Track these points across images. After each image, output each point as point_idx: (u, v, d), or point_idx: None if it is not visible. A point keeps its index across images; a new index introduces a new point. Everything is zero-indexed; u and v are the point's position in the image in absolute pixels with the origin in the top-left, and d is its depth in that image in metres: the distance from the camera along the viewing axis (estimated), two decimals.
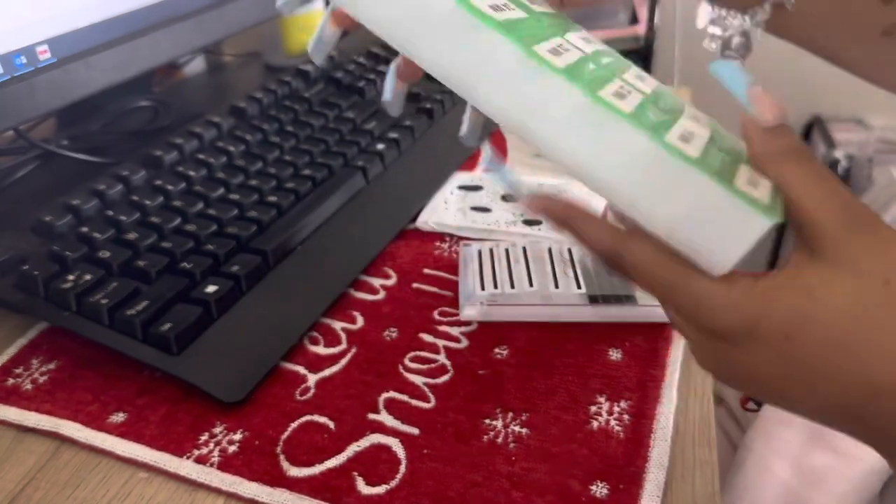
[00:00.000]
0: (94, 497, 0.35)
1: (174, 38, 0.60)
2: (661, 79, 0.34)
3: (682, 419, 0.39)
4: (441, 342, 0.44)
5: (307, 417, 0.39)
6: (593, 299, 0.45)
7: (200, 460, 0.37)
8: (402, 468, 0.36)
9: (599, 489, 0.35)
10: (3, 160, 0.61)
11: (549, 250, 0.49)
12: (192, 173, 0.53)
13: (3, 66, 0.48)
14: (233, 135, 0.59)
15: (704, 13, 0.38)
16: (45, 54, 0.51)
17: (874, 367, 0.24)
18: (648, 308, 0.44)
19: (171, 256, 0.46)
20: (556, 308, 0.45)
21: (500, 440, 0.38)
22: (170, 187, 0.52)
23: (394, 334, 0.45)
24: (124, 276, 0.44)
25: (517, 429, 0.38)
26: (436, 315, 0.46)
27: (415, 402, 0.40)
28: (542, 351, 0.43)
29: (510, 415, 0.39)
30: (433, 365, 0.43)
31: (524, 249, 0.50)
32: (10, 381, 0.42)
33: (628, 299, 0.45)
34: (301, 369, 0.42)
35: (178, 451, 0.37)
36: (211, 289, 0.43)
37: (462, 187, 0.59)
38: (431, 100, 0.68)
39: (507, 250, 0.49)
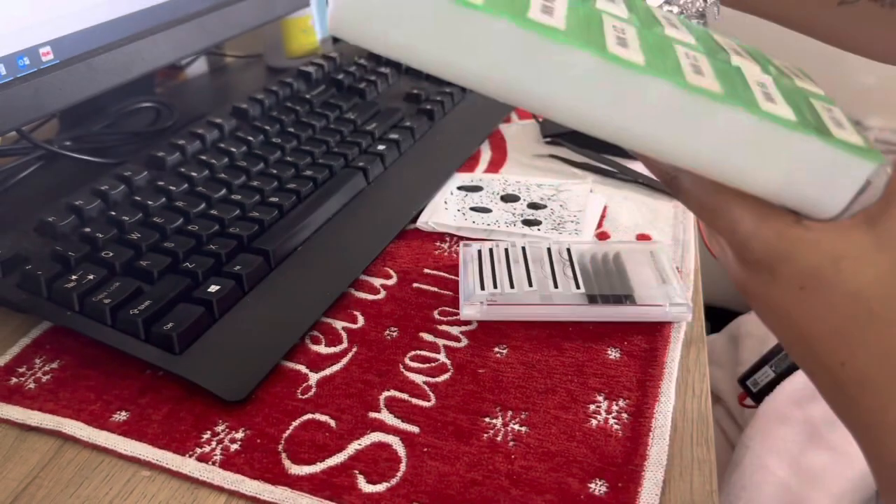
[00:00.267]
0: (97, 495, 0.36)
1: (176, 40, 0.61)
2: None
3: (680, 418, 0.40)
4: (441, 341, 0.44)
5: (308, 416, 0.39)
6: (592, 299, 0.45)
7: (202, 459, 0.37)
8: (403, 466, 0.36)
9: (598, 487, 0.35)
10: (6, 161, 0.62)
11: (549, 250, 0.50)
12: (194, 174, 0.54)
13: (6, 67, 0.48)
14: (235, 136, 0.59)
15: None
16: (47, 55, 0.51)
17: (868, 351, 0.24)
18: (647, 308, 0.45)
19: (173, 256, 0.46)
20: (556, 308, 0.45)
21: (499, 438, 0.38)
22: (172, 188, 0.52)
23: (394, 333, 0.45)
24: (127, 275, 0.45)
25: (516, 427, 0.39)
26: (436, 314, 0.47)
27: (415, 401, 0.40)
28: (541, 350, 0.44)
29: (510, 413, 0.39)
30: (433, 364, 0.43)
31: (524, 249, 0.50)
32: (13, 380, 0.42)
33: (627, 299, 0.45)
34: (302, 368, 0.43)
35: (181, 449, 0.38)
36: (213, 288, 0.44)
37: (462, 188, 0.59)
38: (431, 100, 0.68)
39: (506, 250, 0.50)
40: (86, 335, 0.42)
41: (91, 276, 0.44)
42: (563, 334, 0.45)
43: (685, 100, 0.24)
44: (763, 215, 0.26)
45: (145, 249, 0.47)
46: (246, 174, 0.55)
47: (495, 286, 0.47)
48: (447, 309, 0.47)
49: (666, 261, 0.48)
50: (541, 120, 0.70)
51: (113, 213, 0.49)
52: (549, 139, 0.67)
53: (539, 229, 0.54)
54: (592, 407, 0.40)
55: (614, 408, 0.40)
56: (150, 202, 0.50)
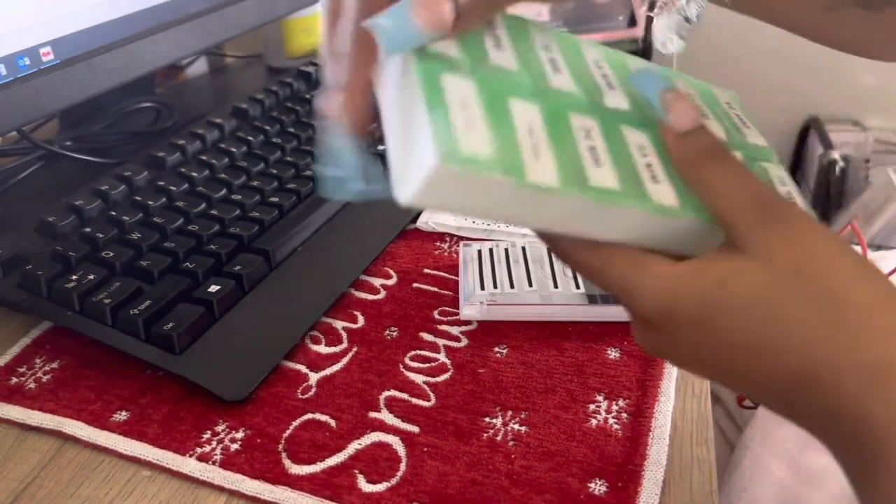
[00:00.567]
0: (97, 495, 0.36)
1: (176, 40, 0.61)
2: None
3: (679, 418, 0.40)
4: (441, 341, 0.45)
5: (308, 416, 0.39)
6: (592, 299, 0.45)
7: (203, 458, 0.37)
8: (403, 466, 0.37)
9: (598, 487, 0.35)
10: (6, 161, 0.62)
11: (549, 250, 0.50)
12: (194, 174, 0.54)
13: (7, 67, 0.48)
14: (235, 136, 0.59)
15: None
16: (48, 56, 0.51)
17: (785, 360, 0.24)
18: None
19: (173, 256, 0.46)
20: (556, 308, 0.45)
21: (499, 438, 0.38)
22: (172, 188, 0.52)
23: (394, 333, 0.45)
24: (127, 275, 0.45)
25: (516, 427, 0.39)
26: (436, 314, 0.47)
27: (415, 401, 0.40)
28: (541, 350, 0.44)
29: (509, 413, 0.39)
30: (433, 364, 0.43)
31: (523, 249, 0.50)
32: (14, 380, 0.42)
33: None
34: (302, 368, 0.43)
35: (181, 449, 0.38)
36: (213, 288, 0.44)
37: None
38: None
39: (506, 250, 0.50)
40: (86, 335, 0.42)
41: (91, 276, 0.44)
42: (563, 334, 0.45)
43: (588, 206, 0.25)
44: (643, 268, 0.26)
45: (145, 249, 0.47)
46: (246, 174, 0.55)
47: (495, 286, 0.47)
48: (447, 309, 0.47)
49: None
50: None
51: (113, 213, 0.49)
52: None
53: None
54: (592, 407, 0.40)
55: (614, 408, 0.40)
56: (150, 202, 0.50)
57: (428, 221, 0.55)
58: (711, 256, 0.26)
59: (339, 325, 0.46)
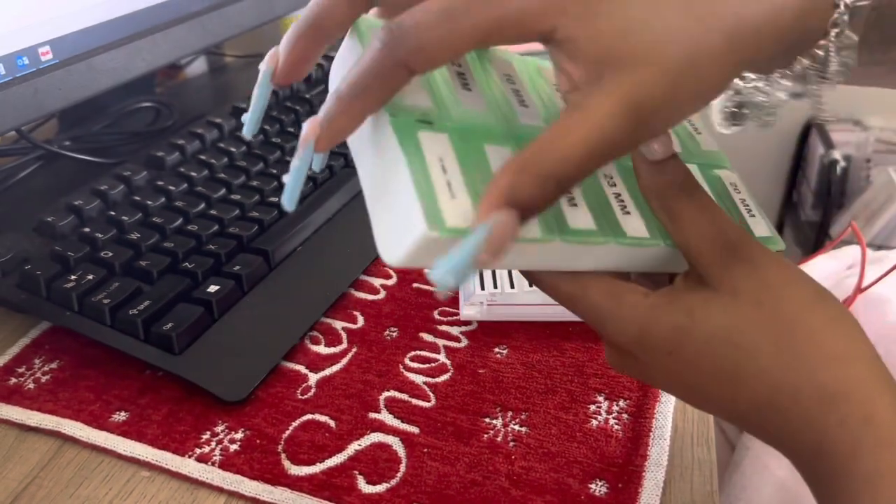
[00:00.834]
0: (97, 496, 0.36)
1: (176, 40, 0.61)
2: None
3: (680, 418, 0.40)
4: (441, 341, 0.44)
5: (308, 416, 0.39)
6: None
7: (202, 459, 0.37)
8: (403, 467, 0.36)
9: (598, 488, 0.35)
10: (5, 161, 0.62)
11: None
12: (193, 174, 0.54)
13: (6, 66, 0.48)
14: (234, 135, 0.59)
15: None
16: (47, 55, 0.51)
17: (750, 386, 0.26)
18: None
19: (172, 256, 0.46)
20: (556, 308, 0.45)
21: (499, 439, 0.38)
22: (172, 188, 0.52)
23: (394, 334, 0.45)
24: (126, 275, 0.45)
25: (517, 428, 0.38)
26: (436, 314, 0.47)
27: (415, 402, 0.40)
28: (541, 350, 0.43)
29: (510, 414, 0.39)
30: (433, 364, 0.43)
31: None
32: (13, 380, 0.42)
33: None
34: (302, 368, 0.42)
35: (180, 449, 0.37)
36: (212, 288, 0.44)
37: None
38: None
39: None
40: (85, 335, 0.42)
41: (90, 277, 0.44)
42: (563, 334, 0.45)
43: (566, 247, 0.26)
44: (616, 297, 0.28)
45: (145, 249, 0.47)
46: (245, 174, 0.55)
47: (495, 286, 0.46)
48: (447, 309, 0.47)
49: None
50: None
51: (112, 213, 0.49)
52: None
53: None
54: (593, 407, 0.40)
55: (615, 408, 0.40)
56: (149, 202, 0.50)
57: None
58: (680, 287, 0.28)
59: (338, 325, 0.46)
